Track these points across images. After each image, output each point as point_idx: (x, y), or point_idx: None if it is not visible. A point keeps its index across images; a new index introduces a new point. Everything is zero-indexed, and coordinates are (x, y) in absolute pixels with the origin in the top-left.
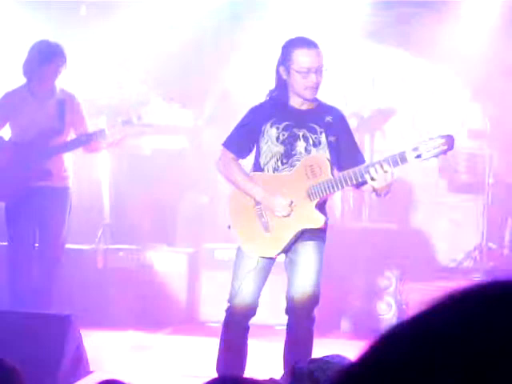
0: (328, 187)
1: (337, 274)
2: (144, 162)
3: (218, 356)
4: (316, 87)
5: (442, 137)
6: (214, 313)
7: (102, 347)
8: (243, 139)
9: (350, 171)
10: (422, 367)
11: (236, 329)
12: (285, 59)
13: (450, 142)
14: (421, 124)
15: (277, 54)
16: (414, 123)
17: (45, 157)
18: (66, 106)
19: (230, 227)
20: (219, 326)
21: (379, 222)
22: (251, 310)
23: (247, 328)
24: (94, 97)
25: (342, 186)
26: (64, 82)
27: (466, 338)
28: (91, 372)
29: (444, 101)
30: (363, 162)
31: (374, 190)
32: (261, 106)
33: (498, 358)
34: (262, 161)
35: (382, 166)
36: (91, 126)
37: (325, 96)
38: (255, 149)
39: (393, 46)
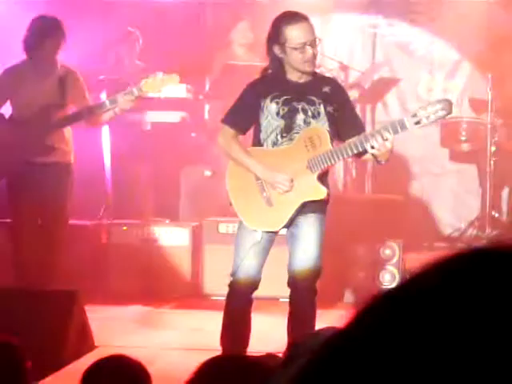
0: (328, 158)
1: (339, 245)
2: (145, 136)
3: (222, 330)
4: (314, 59)
5: (440, 101)
6: (218, 286)
7: (106, 322)
8: (243, 115)
9: (350, 141)
10: (401, 337)
11: (239, 302)
12: (278, 37)
13: (448, 106)
14: (422, 94)
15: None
16: (416, 93)
17: (46, 132)
18: (67, 82)
19: (231, 204)
20: (223, 299)
21: (382, 192)
22: (254, 284)
23: (250, 301)
24: (93, 72)
25: (343, 157)
26: (62, 57)
27: (445, 306)
28: (96, 347)
29: (445, 70)
30: (363, 130)
31: (375, 158)
32: (259, 81)
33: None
34: (262, 136)
35: (381, 135)
36: (91, 100)
37: (326, 67)
38: (255, 124)
39: (393, 15)
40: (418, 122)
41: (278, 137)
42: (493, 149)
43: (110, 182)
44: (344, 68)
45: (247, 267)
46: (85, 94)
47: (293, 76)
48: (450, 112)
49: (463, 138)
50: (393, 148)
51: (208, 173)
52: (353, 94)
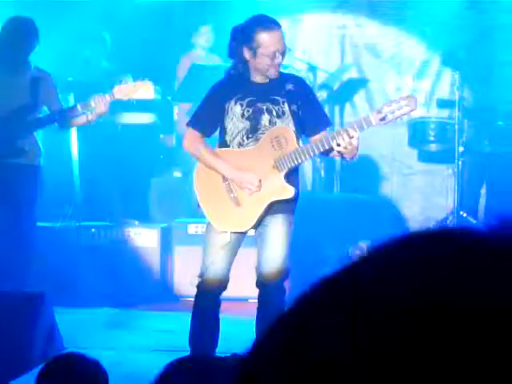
0: (295, 157)
1: (308, 244)
2: (114, 137)
3: (191, 331)
4: (279, 65)
5: (404, 98)
6: (188, 287)
7: (75, 324)
8: (208, 117)
9: (317, 139)
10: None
11: (208, 303)
12: (249, 40)
13: (412, 102)
14: (391, 94)
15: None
16: (384, 94)
17: (18, 134)
18: (40, 84)
19: (199, 206)
20: (193, 300)
21: (350, 192)
22: (222, 285)
23: (219, 302)
24: (61, 73)
25: (310, 156)
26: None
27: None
28: (65, 349)
29: (413, 71)
30: (329, 124)
31: (341, 155)
32: (222, 83)
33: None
34: (228, 138)
35: (347, 132)
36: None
37: (295, 68)
38: (220, 126)
39: (361, 16)
40: (383, 118)
41: (244, 138)
42: (460, 149)
43: (78, 183)
44: (312, 69)
45: (215, 268)
46: (57, 96)
47: (257, 78)
48: (414, 108)
49: (431, 139)
50: (359, 145)
51: (179, 174)
52: (321, 95)
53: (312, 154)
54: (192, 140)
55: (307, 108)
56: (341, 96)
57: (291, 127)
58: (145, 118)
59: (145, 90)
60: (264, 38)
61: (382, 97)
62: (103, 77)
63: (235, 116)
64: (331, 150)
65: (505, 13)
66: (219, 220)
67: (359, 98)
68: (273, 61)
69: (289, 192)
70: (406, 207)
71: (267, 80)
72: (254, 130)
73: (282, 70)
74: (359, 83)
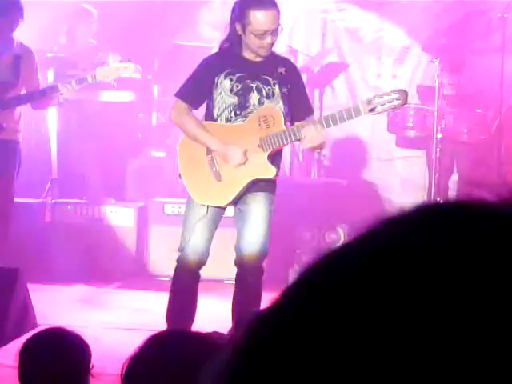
0: (281, 138)
1: (286, 228)
2: (93, 115)
3: (168, 305)
4: (270, 46)
5: (396, 91)
6: (163, 267)
7: (49, 301)
8: (197, 89)
9: (303, 123)
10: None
11: (187, 278)
12: (241, 17)
13: (403, 96)
14: (370, 80)
15: (231, 6)
16: (364, 79)
17: None
18: (22, 61)
19: (180, 176)
20: (168, 280)
21: (328, 177)
22: (202, 259)
23: (198, 277)
24: (42, 48)
25: (295, 138)
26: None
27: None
28: (38, 325)
29: (393, 56)
30: (311, 112)
31: (313, 147)
32: (214, 56)
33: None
34: (216, 112)
35: (336, 119)
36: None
37: (275, 51)
38: (208, 99)
39: (343, 1)
40: (372, 110)
41: (232, 114)
42: (439, 136)
43: (55, 160)
44: (293, 52)
45: (195, 242)
46: (37, 75)
47: (249, 55)
48: (405, 102)
49: (410, 125)
50: (325, 139)
51: (157, 153)
52: None
53: (297, 137)
54: (179, 111)
55: (295, 94)
56: (321, 79)
57: (280, 109)
58: (124, 96)
59: (128, 74)
60: (255, 16)
61: (361, 82)
62: (86, 53)
63: (224, 90)
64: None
65: None
66: (199, 193)
67: (339, 82)
68: (262, 40)
69: (271, 172)
70: (384, 192)
71: (259, 59)
72: (242, 107)
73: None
74: (339, 67)
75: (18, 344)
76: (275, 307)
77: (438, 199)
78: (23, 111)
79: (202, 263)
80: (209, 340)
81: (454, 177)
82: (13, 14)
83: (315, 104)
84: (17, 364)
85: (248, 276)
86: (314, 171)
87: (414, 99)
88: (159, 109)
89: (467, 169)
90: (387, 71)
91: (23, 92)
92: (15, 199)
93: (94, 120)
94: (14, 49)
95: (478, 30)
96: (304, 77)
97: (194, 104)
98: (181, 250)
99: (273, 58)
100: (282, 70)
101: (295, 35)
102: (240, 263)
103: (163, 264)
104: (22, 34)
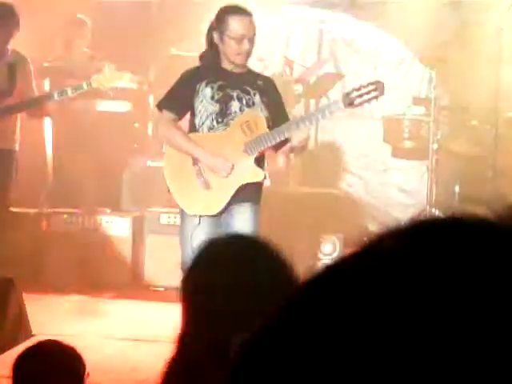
0: (265, 141)
1: (280, 238)
2: (88, 125)
3: None
4: (247, 54)
5: (373, 83)
6: (159, 277)
7: (45, 311)
8: (179, 99)
9: (286, 123)
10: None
11: None
12: (220, 25)
13: (380, 87)
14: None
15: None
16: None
17: None
18: (17, 69)
19: (169, 190)
20: (163, 290)
21: (323, 187)
22: None
23: None
24: (38, 57)
25: (279, 138)
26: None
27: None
28: (33, 335)
29: (389, 67)
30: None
31: (292, 148)
32: (194, 68)
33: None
34: (197, 121)
35: (320, 115)
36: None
37: (272, 62)
38: (190, 109)
39: (339, 11)
40: (351, 103)
41: (214, 122)
42: (435, 147)
43: (51, 169)
44: (289, 62)
45: None
46: (32, 83)
47: (227, 66)
48: (382, 93)
49: (406, 135)
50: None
51: (153, 163)
52: (297, 89)
53: (282, 137)
54: (165, 123)
55: (273, 104)
56: (317, 90)
57: (263, 114)
58: (120, 106)
59: (123, 82)
60: (232, 20)
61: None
62: (83, 63)
63: (205, 98)
64: (285, 142)
65: (482, 10)
66: (189, 204)
67: (335, 92)
68: (239, 46)
69: (259, 175)
70: (379, 203)
71: (239, 70)
72: (223, 115)
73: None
74: (335, 78)
75: (12, 354)
76: (267, 328)
77: (434, 211)
78: (19, 120)
79: None
80: (268, 245)
81: (452, 187)
82: (9, 24)
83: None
84: (11, 375)
85: None
86: (308, 181)
87: (409, 110)
88: (155, 119)
89: (463, 180)
90: (382, 80)
91: (18, 100)
92: (11, 208)
93: (90, 130)
94: (8, 57)
95: (473, 40)
96: (300, 87)
97: (178, 112)
98: (182, 267)
99: (250, 72)
100: (260, 82)
101: (291, 45)
102: None
103: (159, 274)
104: (19, 43)
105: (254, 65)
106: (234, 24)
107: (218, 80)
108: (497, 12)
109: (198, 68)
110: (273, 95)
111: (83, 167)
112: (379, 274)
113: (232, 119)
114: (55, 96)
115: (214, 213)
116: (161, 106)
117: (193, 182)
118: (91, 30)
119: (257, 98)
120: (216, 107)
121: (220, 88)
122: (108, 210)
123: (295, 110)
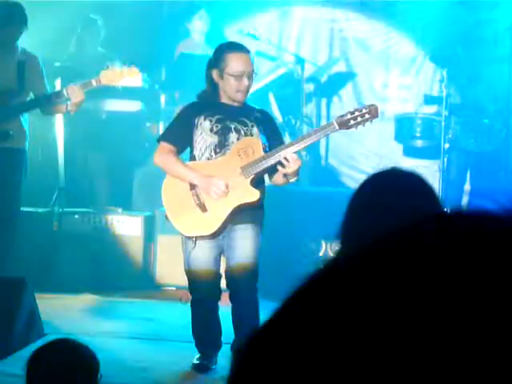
0: (260, 163)
1: (291, 238)
2: (100, 124)
3: (192, 329)
4: (247, 90)
5: (367, 107)
6: (170, 276)
7: (57, 310)
8: (179, 131)
9: (280, 147)
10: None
11: (206, 315)
12: (218, 62)
13: (374, 111)
14: (378, 89)
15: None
16: (372, 89)
17: (3, 118)
18: (26, 68)
19: (167, 218)
20: (174, 289)
21: (334, 186)
22: (212, 296)
23: (217, 309)
24: (50, 58)
25: (275, 160)
26: (24, 42)
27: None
28: (45, 334)
29: (401, 66)
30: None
31: (286, 175)
32: (193, 103)
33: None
34: (197, 152)
35: (315, 138)
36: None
37: (282, 60)
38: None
39: (351, 10)
40: (345, 124)
41: (212, 153)
42: (446, 145)
43: (63, 169)
44: (300, 61)
45: (201, 285)
46: (43, 81)
47: (226, 101)
48: (375, 116)
49: (417, 134)
50: (300, 166)
51: None
52: (308, 88)
53: (277, 158)
54: (163, 152)
55: (271, 134)
56: (328, 89)
57: (262, 141)
58: (131, 105)
59: (131, 77)
60: (231, 57)
61: (369, 91)
62: (95, 62)
63: (204, 131)
64: (276, 171)
65: (493, 9)
66: (185, 226)
67: (346, 91)
68: (239, 82)
69: (254, 195)
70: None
71: (236, 104)
72: (221, 146)
73: (253, 95)
74: (347, 77)
75: (24, 353)
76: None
77: (446, 210)
78: (30, 119)
79: (214, 300)
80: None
81: (464, 186)
82: (16, 22)
83: (322, 113)
84: (25, 373)
85: (242, 304)
86: (319, 180)
87: (421, 109)
88: (166, 118)
89: (475, 179)
90: (395, 81)
91: (29, 98)
92: (22, 208)
93: (101, 129)
94: (18, 56)
95: (485, 39)
96: (311, 86)
97: (177, 145)
98: (190, 292)
99: (248, 106)
100: (257, 114)
101: (303, 44)
102: (232, 292)
103: (170, 273)
104: (31, 43)
105: (266, 64)
106: (233, 61)
107: (216, 113)
108: (509, 10)
109: (196, 103)
110: (270, 127)
111: (94, 167)
112: (382, 269)
113: (229, 149)
114: (64, 93)
115: (210, 233)
116: (160, 139)
117: (190, 206)
118: (105, 31)
119: (254, 130)
120: (215, 139)
121: (218, 121)
122: (119, 210)
123: (307, 109)
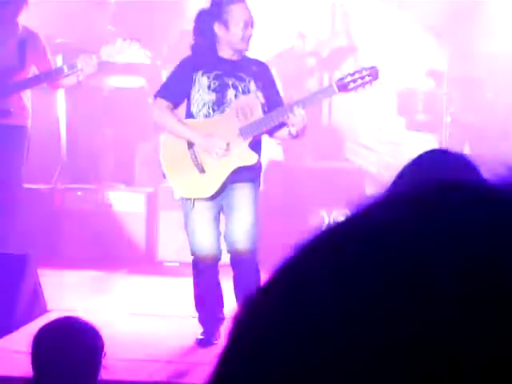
0: (259, 125)
1: (294, 210)
2: (102, 101)
3: (194, 300)
4: (250, 39)
5: (367, 68)
6: (172, 253)
7: (59, 287)
8: (176, 87)
9: (280, 108)
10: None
11: (205, 277)
12: (221, 15)
13: (374, 72)
14: (380, 63)
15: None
16: (374, 63)
17: (4, 95)
18: (27, 45)
19: (164, 176)
20: (177, 265)
21: (338, 160)
22: (215, 258)
23: (216, 271)
24: (51, 34)
25: (274, 123)
26: (32, 20)
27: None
28: (48, 311)
29: (403, 40)
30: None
31: (291, 132)
32: (191, 57)
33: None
34: (194, 109)
35: (315, 99)
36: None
37: (285, 35)
38: (187, 98)
39: None
40: (345, 87)
41: (210, 110)
42: (448, 119)
43: (65, 145)
44: (302, 36)
45: (201, 244)
46: (46, 55)
47: (225, 54)
48: (376, 77)
49: (419, 109)
50: (306, 122)
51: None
52: (310, 62)
53: (276, 122)
54: (160, 109)
55: (268, 89)
56: (330, 64)
57: (259, 99)
58: (134, 81)
59: (132, 52)
60: (235, 8)
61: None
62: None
63: (202, 87)
64: (281, 126)
65: None
66: (183, 188)
67: (348, 66)
68: (244, 32)
69: (252, 159)
70: (392, 176)
71: (234, 57)
72: (219, 103)
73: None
74: (348, 51)
75: (28, 330)
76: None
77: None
78: (31, 96)
79: (215, 261)
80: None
81: None
82: (16, 1)
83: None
84: (30, 350)
85: (243, 266)
86: (321, 154)
87: (423, 83)
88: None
89: (477, 153)
90: (396, 55)
91: (30, 75)
92: (24, 185)
93: (103, 105)
94: (18, 34)
95: (489, 14)
96: (313, 60)
97: (174, 101)
98: (192, 253)
99: (246, 58)
100: (254, 68)
101: (304, 19)
102: (233, 254)
103: (172, 249)
104: (40, 23)
105: (267, 39)
106: (237, 12)
107: (214, 69)
108: None
109: (194, 57)
110: (267, 80)
111: (97, 143)
112: (368, 245)
113: (228, 106)
114: (65, 69)
115: (208, 196)
116: (157, 95)
117: (187, 165)
118: (107, 7)
119: (252, 85)
120: (213, 96)
121: (216, 77)
122: (122, 186)
123: (308, 84)
